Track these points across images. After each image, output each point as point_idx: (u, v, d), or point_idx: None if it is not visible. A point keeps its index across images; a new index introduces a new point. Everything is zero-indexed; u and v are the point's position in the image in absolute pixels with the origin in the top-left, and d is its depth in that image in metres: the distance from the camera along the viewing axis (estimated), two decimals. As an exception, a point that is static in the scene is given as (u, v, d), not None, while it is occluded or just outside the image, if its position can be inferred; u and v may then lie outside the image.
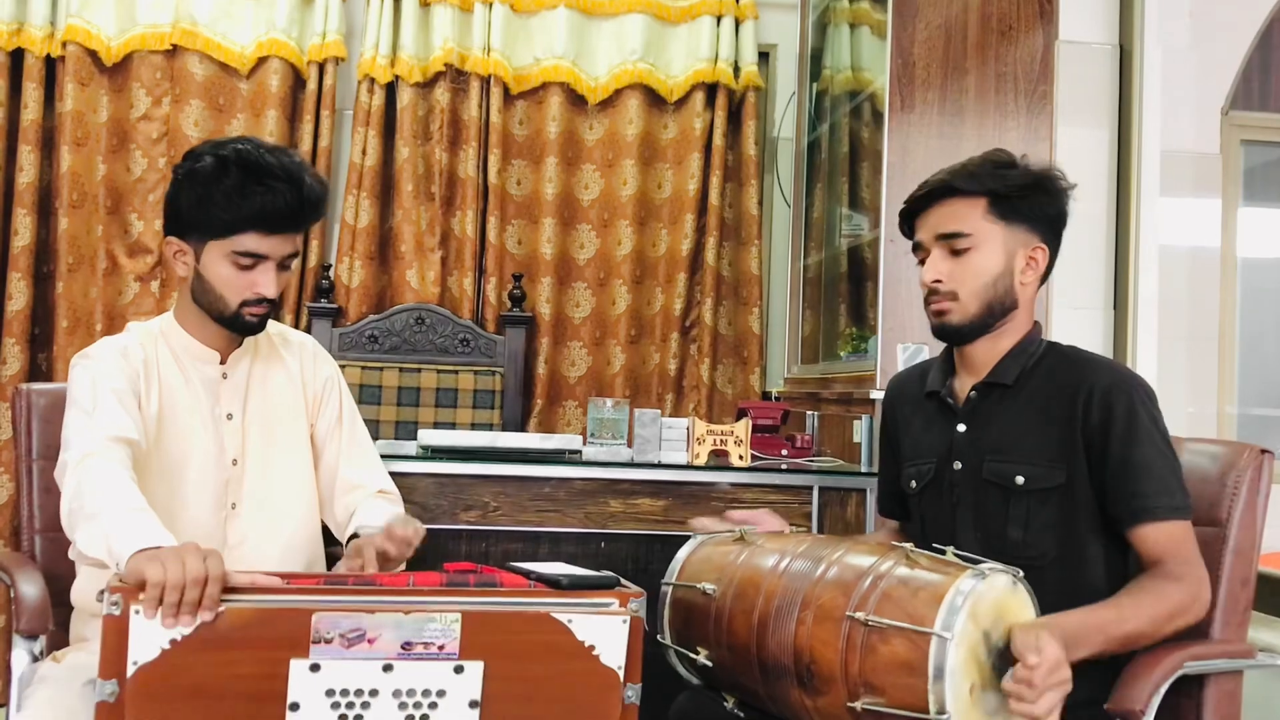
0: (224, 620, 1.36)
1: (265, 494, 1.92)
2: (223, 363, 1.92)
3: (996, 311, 1.79)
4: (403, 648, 1.39)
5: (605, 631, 1.45)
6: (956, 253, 1.78)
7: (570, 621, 1.44)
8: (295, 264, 1.92)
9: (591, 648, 1.45)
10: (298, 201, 1.79)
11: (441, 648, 1.40)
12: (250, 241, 1.79)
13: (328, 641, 1.37)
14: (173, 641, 1.34)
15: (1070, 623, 1.52)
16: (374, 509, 1.95)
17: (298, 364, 2.02)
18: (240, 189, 1.76)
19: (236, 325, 1.86)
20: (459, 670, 1.41)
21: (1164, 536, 1.65)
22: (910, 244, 1.88)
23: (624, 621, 1.46)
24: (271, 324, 2.04)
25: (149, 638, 1.34)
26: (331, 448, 2.02)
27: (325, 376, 2.04)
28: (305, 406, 2.00)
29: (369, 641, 1.38)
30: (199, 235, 1.82)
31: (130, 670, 1.33)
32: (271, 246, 1.81)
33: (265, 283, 1.82)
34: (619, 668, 1.46)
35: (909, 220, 1.87)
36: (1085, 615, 1.56)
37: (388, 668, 1.39)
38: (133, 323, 1.98)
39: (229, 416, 1.91)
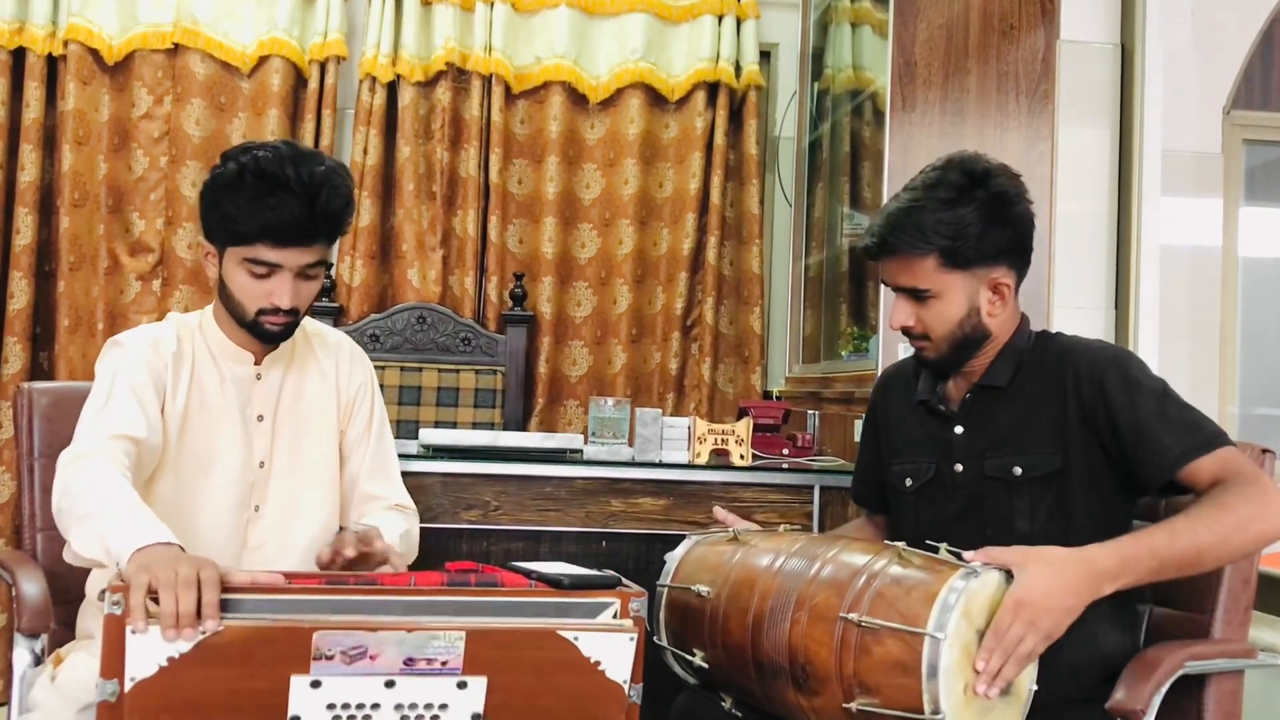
0: (224, 637, 1.33)
1: (289, 498, 1.90)
2: (257, 363, 1.91)
3: (970, 346, 1.78)
4: (405, 664, 1.37)
5: (612, 647, 1.43)
6: (920, 299, 1.76)
7: (576, 639, 1.42)
8: (317, 287, 1.88)
9: (598, 663, 1.43)
10: (308, 216, 1.74)
11: (445, 664, 1.38)
12: (262, 251, 1.76)
13: (329, 658, 1.34)
14: (170, 659, 1.31)
15: (1108, 556, 1.49)
16: (382, 519, 1.93)
17: (333, 366, 1.99)
18: (252, 200, 1.73)
19: (256, 332, 1.84)
20: (462, 686, 1.39)
21: (1214, 466, 1.59)
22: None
23: (630, 639, 1.43)
24: (310, 322, 2.01)
25: (147, 654, 1.31)
26: (356, 457, 2.00)
27: (359, 382, 2.01)
28: (337, 411, 1.98)
29: (371, 658, 1.36)
30: (219, 240, 1.81)
31: (129, 686, 1.31)
32: (284, 257, 1.77)
33: (280, 292, 1.78)
34: (624, 682, 1.44)
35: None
36: (1130, 544, 1.52)
37: (390, 683, 1.37)
38: (173, 313, 1.96)
39: (260, 418, 1.89)
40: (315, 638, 1.33)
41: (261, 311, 1.81)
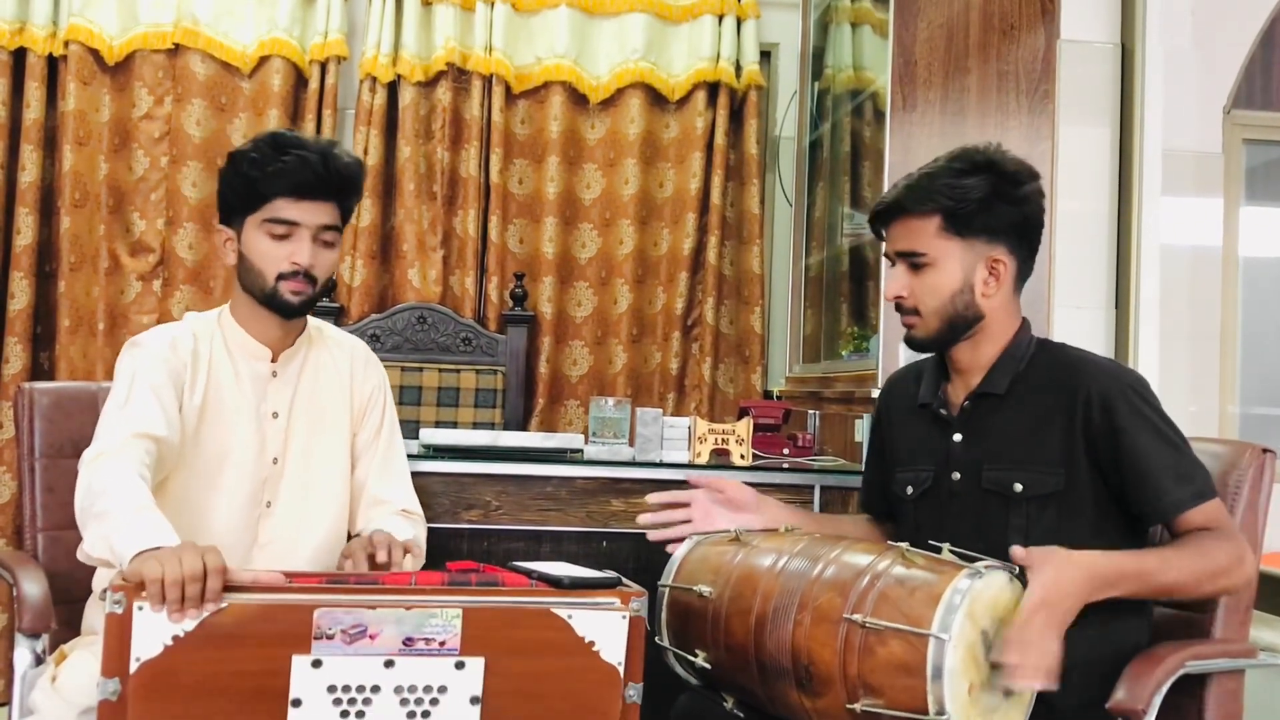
0: (227, 616, 1.36)
1: (302, 495, 1.92)
2: (274, 360, 1.93)
3: (959, 325, 1.78)
4: (404, 644, 1.40)
5: (605, 627, 1.46)
6: (916, 268, 1.78)
7: (570, 617, 1.45)
8: (336, 258, 1.92)
9: (591, 644, 1.46)
10: (324, 167, 1.83)
11: (443, 644, 1.41)
12: (281, 208, 1.83)
13: (329, 638, 1.37)
14: (175, 638, 1.35)
15: (1111, 562, 1.56)
16: (388, 525, 1.94)
17: (348, 367, 2.02)
18: (271, 158, 1.82)
19: (276, 304, 1.86)
20: (460, 666, 1.42)
21: (1201, 517, 1.66)
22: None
23: (623, 617, 1.47)
24: (326, 325, 2.06)
25: (152, 634, 1.34)
26: (366, 461, 2.01)
27: (373, 385, 2.04)
28: (350, 412, 2.01)
29: (370, 637, 1.39)
30: (239, 215, 1.87)
31: (134, 666, 1.34)
32: (302, 213, 1.83)
33: (299, 251, 1.83)
34: (619, 664, 1.47)
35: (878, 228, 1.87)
36: (1127, 560, 1.59)
37: (389, 664, 1.40)
38: (190, 313, 1.99)
39: (274, 415, 1.91)
40: (316, 615, 1.37)
41: (281, 276, 1.84)
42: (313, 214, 1.84)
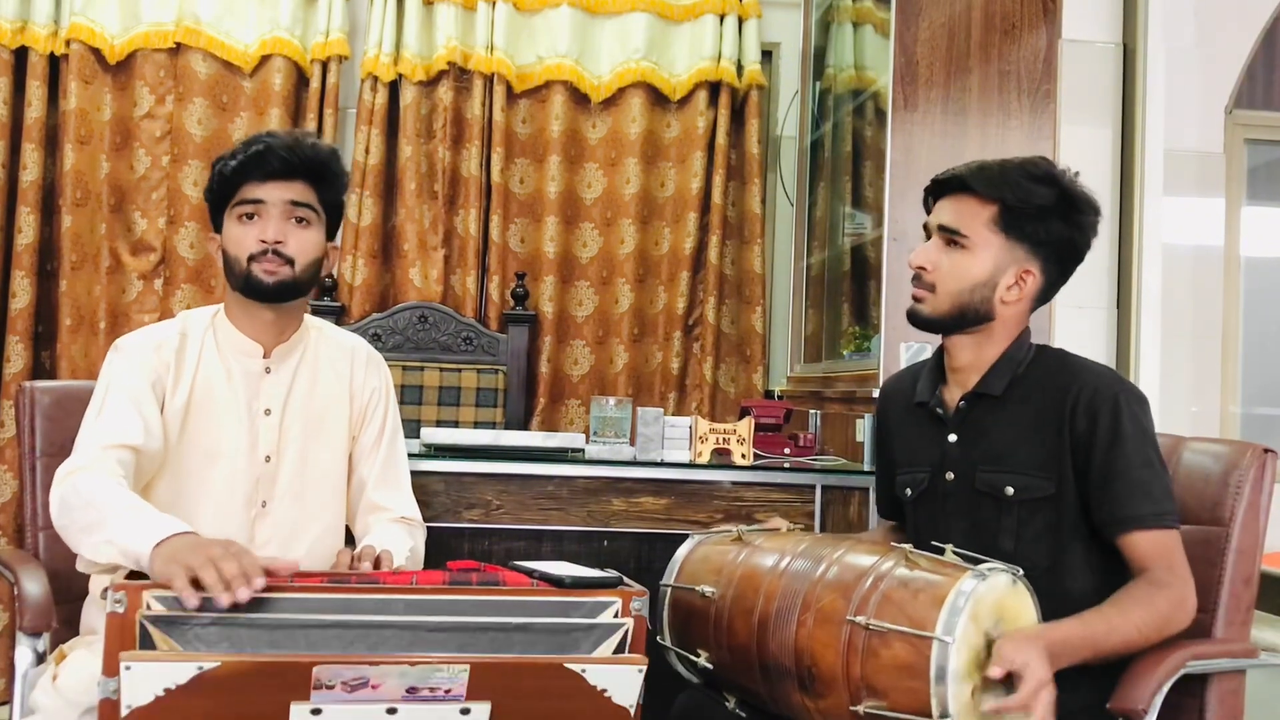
0: (221, 671, 1.31)
1: (298, 493, 1.90)
2: (266, 357, 1.92)
3: (969, 317, 1.77)
4: (407, 692, 1.35)
5: (619, 678, 1.42)
6: (952, 245, 1.77)
7: (584, 671, 1.40)
8: (316, 241, 1.91)
9: (604, 690, 1.41)
10: (287, 149, 1.84)
11: (448, 691, 1.36)
12: (247, 190, 1.85)
13: (329, 688, 1.32)
14: (167, 689, 1.30)
15: (1058, 635, 1.51)
16: (386, 532, 1.93)
17: (348, 368, 2.00)
18: (240, 150, 1.86)
19: (250, 286, 1.85)
20: (465, 712, 1.38)
21: (1148, 545, 1.64)
22: (923, 223, 1.86)
23: (640, 671, 1.42)
24: (327, 325, 2.05)
25: (143, 683, 1.29)
26: (366, 465, 2.00)
27: (374, 388, 2.02)
28: (349, 414, 1.99)
29: (373, 687, 1.34)
30: (220, 213, 1.89)
31: (124, 713, 1.30)
32: (267, 192, 1.85)
33: (266, 228, 1.84)
34: (631, 705, 1.43)
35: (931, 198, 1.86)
36: (1074, 626, 1.55)
37: (392, 710, 1.35)
38: (184, 311, 2.00)
39: (267, 412, 1.90)
40: (315, 671, 1.31)
41: (252, 258, 1.85)
42: (279, 192, 1.86)
